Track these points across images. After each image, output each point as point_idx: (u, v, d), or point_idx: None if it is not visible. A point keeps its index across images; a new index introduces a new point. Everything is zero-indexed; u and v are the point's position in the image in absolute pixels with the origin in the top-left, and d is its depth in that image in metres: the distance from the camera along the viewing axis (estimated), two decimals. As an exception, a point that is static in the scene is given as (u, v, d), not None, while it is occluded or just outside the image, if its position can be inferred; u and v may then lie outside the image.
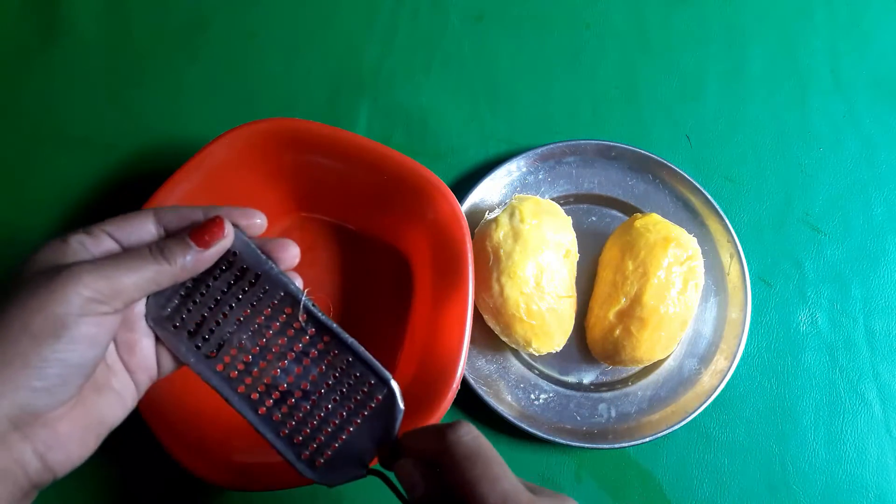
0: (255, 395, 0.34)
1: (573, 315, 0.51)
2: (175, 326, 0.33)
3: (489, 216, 0.50)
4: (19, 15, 0.59)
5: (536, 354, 0.50)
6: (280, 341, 0.34)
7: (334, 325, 0.34)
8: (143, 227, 0.32)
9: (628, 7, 0.61)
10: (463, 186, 0.54)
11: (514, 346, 0.50)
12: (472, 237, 0.48)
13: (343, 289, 0.51)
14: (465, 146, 0.56)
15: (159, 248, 0.31)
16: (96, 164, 0.55)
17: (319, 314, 0.34)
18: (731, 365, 0.50)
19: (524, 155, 0.54)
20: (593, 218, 0.55)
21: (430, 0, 0.60)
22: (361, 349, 0.34)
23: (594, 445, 0.49)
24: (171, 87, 0.58)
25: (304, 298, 0.33)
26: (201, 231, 0.31)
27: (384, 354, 0.49)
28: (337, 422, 0.34)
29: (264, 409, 0.34)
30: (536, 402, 0.51)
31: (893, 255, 0.55)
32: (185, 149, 0.55)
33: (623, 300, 0.48)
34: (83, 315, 0.28)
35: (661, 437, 0.48)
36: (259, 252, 0.34)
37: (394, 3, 0.60)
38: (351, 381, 0.34)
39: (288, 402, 0.34)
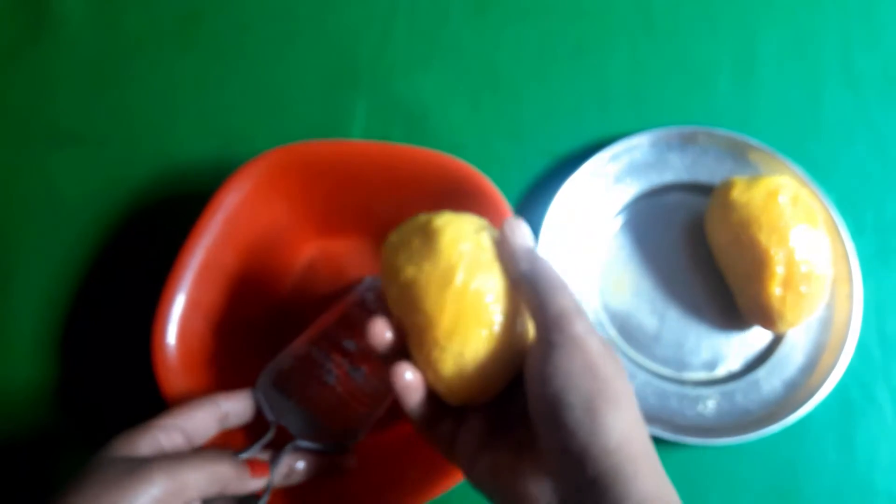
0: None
1: None
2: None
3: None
4: (9, 10, 0.58)
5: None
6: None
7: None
8: (208, 422, 0.37)
9: (633, -2, 0.60)
10: (464, 184, 0.52)
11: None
12: None
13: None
14: (466, 142, 0.55)
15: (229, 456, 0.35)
16: (88, 158, 0.55)
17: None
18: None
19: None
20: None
21: (429, -9, 0.59)
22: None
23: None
24: (163, 81, 0.57)
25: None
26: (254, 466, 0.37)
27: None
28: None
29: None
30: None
31: (906, 253, 0.54)
32: (177, 143, 0.55)
33: (779, 269, 0.47)
34: None
35: (666, 438, 0.47)
36: None
37: (392, -6, 0.59)
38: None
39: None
